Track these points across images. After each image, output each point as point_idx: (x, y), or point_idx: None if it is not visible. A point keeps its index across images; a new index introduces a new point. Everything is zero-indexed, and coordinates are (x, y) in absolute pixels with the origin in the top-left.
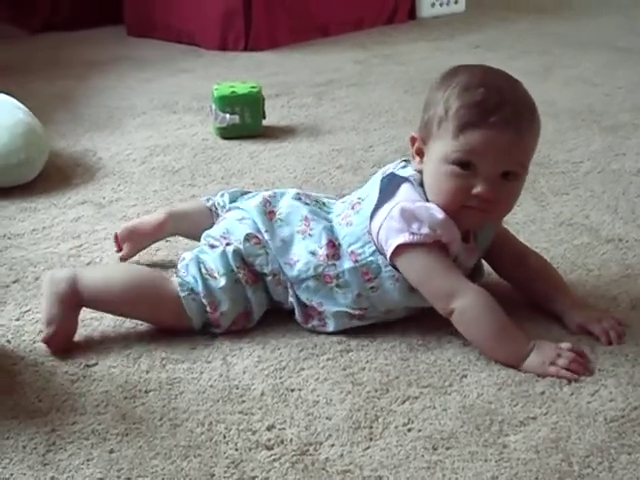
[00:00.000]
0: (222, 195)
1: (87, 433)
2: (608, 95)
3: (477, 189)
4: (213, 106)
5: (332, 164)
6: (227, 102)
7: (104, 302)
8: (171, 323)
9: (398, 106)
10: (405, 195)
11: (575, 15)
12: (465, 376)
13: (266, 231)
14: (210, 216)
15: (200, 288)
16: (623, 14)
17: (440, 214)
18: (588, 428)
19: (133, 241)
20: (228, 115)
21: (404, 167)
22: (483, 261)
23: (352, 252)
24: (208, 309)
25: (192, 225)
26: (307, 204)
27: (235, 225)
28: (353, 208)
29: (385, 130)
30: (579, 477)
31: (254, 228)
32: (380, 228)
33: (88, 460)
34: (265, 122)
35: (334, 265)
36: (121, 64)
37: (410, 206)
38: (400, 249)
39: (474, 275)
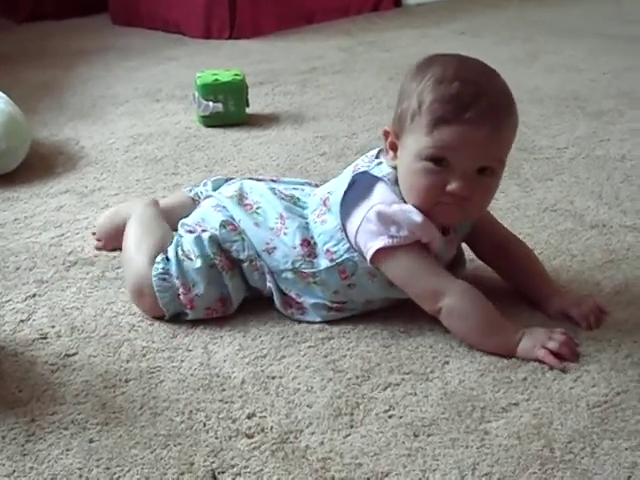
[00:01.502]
0: (205, 184)
1: (67, 423)
2: (593, 81)
3: (452, 186)
4: (196, 94)
5: (316, 151)
6: (210, 90)
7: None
8: (134, 297)
9: (382, 93)
10: (381, 196)
11: (560, 2)
12: (447, 363)
13: (240, 220)
14: (194, 207)
15: (174, 269)
16: (608, 1)
17: (418, 217)
18: (570, 414)
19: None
20: (211, 103)
21: (379, 164)
22: (465, 247)
23: (327, 250)
24: (181, 290)
25: (177, 218)
26: (282, 199)
27: (210, 213)
28: (325, 204)
29: (369, 117)
30: (561, 463)
31: (228, 215)
32: (358, 231)
33: (67, 450)
34: (249, 110)
35: (311, 263)
36: (106, 53)
37: (387, 210)
38: (380, 252)
39: (456, 264)
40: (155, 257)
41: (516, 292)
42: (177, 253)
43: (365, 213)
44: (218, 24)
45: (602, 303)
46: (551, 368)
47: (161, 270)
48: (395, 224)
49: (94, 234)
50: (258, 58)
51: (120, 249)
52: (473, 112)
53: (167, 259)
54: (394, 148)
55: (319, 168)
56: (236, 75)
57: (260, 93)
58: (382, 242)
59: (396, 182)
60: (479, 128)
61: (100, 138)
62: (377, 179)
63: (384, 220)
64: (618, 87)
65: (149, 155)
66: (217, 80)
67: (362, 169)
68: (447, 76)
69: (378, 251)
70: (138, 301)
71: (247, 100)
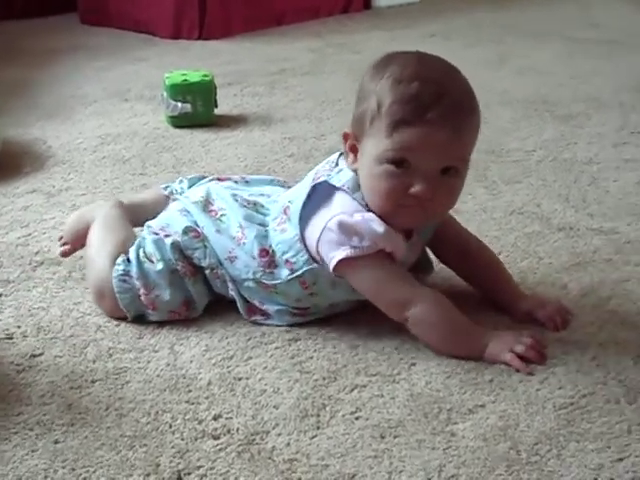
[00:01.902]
0: (181, 182)
1: (32, 424)
2: (561, 85)
3: (415, 188)
4: (165, 94)
5: (284, 153)
6: (179, 91)
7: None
8: (96, 300)
9: (351, 95)
10: (342, 206)
11: (530, 5)
12: (414, 364)
13: (203, 226)
14: (167, 204)
15: (134, 270)
16: (577, 4)
17: (380, 227)
18: (537, 416)
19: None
20: (180, 104)
21: (339, 172)
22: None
23: (287, 260)
24: (142, 291)
25: (151, 215)
26: (244, 206)
27: (175, 217)
28: (285, 213)
29: (338, 119)
30: (527, 465)
31: (192, 221)
32: (319, 241)
33: (33, 451)
34: (217, 111)
35: (272, 274)
36: (74, 52)
37: (348, 220)
38: (343, 262)
39: (422, 268)
40: (116, 258)
41: (482, 296)
42: (138, 255)
43: (326, 223)
44: (188, 24)
45: (568, 305)
46: (518, 370)
47: (121, 271)
48: (357, 234)
49: (61, 238)
50: (227, 59)
51: None
52: (434, 112)
53: (128, 260)
54: (354, 151)
55: (287, 169)
56: (205, 76)
57: (229, 94)
58: (344, 252)
59: (356, 189)
60: (440, 128)
61: (68, 138)
62: (336, 189)
63: (346, 230)
64: (586, 91)
65: (117, 155)
66: (186, 80)
67: (321, 178)
68: (406, 75)
69: (341, 261)
70: (100, 302)
71: (216, 101)
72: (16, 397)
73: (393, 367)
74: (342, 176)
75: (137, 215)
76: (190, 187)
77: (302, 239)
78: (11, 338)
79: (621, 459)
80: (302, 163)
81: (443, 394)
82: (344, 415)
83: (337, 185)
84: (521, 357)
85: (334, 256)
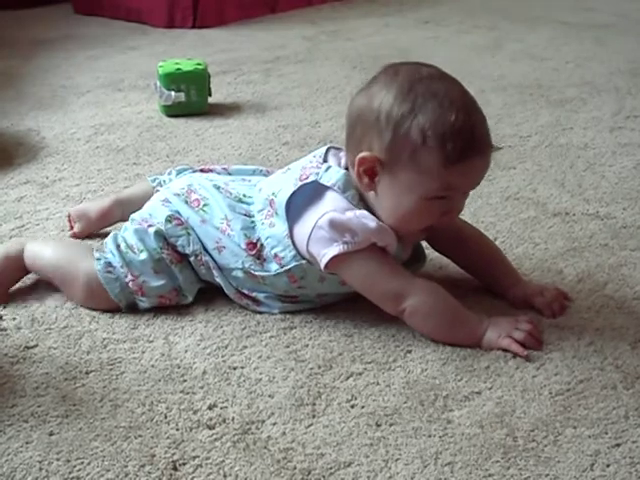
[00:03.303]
0: (169, 173)
1: (26, 415)
2: (556, 70)
3: (449, 214)
4: (158, 84)
5: (278, 141)
6: (172, 80)
7: (40, 273)
8: (85, 299)
9: (346, 82)
10: (332, 203)
11: None
12: (409, 352)
13: (188, 217)
14: None
15: (117, 260)
16: None
17: (372, 222)
18: (533, 402)
19: (83, 222)
20: (173, 93)
21: (327, 169)
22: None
23: (276, 255)
24: (129, 277)
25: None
26: (227, 197)
27: (158, 207)
28: (271, 206)
29: (332, 106)
30: (524, 451)
31: (175, 210)
32: (309, 239)
33: (27, 443)
34: (211, 99)
35: (261, 265)
36: (67, 42)
37: (340, 217)
38: (335, 259)
39: (415, 261)
40: (91, 256)
41: (478, 283)
42: (118, 245)
43: (316, 221)
44: (181, 13)
45: (565, 291)
46: (514, 356)
47: (103, 264)
48: (349, 231)
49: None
50: (221, 47)
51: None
52: (477, 146)
53: (108, 252)
54: (372, 175)
55: (281, 157)
56: (198, 64)
57: (223, 82)
58: (337, 249)
59: (347, 188)
60: (482, 159)
61: (61, 128)
62: (327, 188)
63: (337, 227)
64: (580, 75)
65: (111, 145)
66: (179, 69)
67: (310, 177)
68: (445, 107)
69: (333, 258)
70: (90, 302)
71: (209, 89)
72: (10, 389)
73: (389, 355)
74: (332, 174)
75: (129, 208)
76: (178, 176)
77: (290, 235)
78: (5, 330)
79: (618, 445)
80: (296, 151)
81: (439, 381)
82: (340, 403)
83: (327, 184)
84: (519, 343)
85: (326, 253)
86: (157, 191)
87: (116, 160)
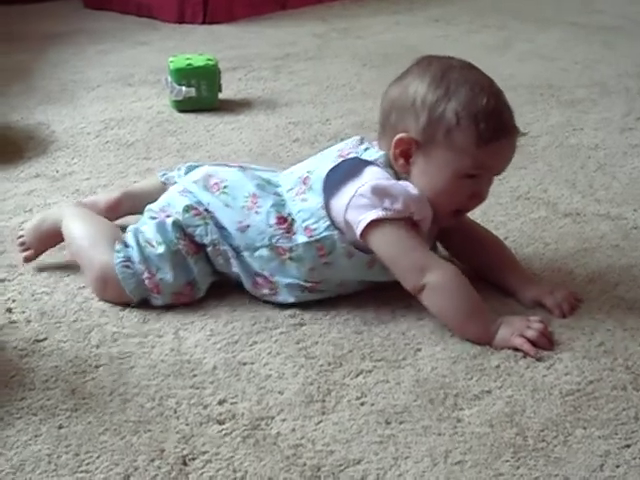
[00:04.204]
0: (179, 169)
1: (36, 409)
2: (565, 70)
3: (481, 195)
4: (169, 79)
5: (288, 137)
6: (183, 75)
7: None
8: (98, 290)
9: (356, 79)
10: (374, 175)
11: None
12: (419, 350)
13: (208, 203)
14: (164, 191)
15: (136, 255)
16: None
17: (415, 190)
18: (543, 402)
19: None
20: (184, 88)
21: (366, 149)
22: None
23: (307, 227)
24: (145, 275)
25: (147, 203)
26: (255, 179)
27: (175, 198)
28: (305, 183)
29: (342, 103)
30: (534, 451)
31: (194, 200)
32: (348, 207)
33: (36, 436)
34: (221, 95)
35: (289, 238)
36: (77, 37)
37: (383, 183)
38: (371, 225)
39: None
40: (113, 247)
41: (484, 280)
42: (138, 240)
43: (356, 189)
44: (191, 9)
45: (575, 291)
46: (524, 356)
47: (122, 258)
48: (390, 196)
49: (22, 244)
50: (231, 43)
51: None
52: (506, 128)
53: (126, 246)
54: (407, 156)
55: (292, 154)
56: (209, 60)
57: (233, 78)
58: (375, 214)
59: (387, 165)
60: (510, 142)
61: (71, 122)
62: (368, 162)
63: (379, 193)
64: (590, 76)
65: (121, 140)
66: (190, 65)
67: (351, 154)
68: (476, 91)
69: (369, 224)
70: (103, 293)
71: (220, 85)
72: (19, 382)
73: (399, 352)
74: (372, 153)
75: (137, 202)
76: (187, 174)
77: (326, 207)
78: (14, 323)
79: (628, 446)
80: (307, 148)
81: (449, 380)
82: (349, 401)
83: (369, 159)
84: (531, 342)
85: (364, 218)
86: (172, 183)
87: (126, 155)
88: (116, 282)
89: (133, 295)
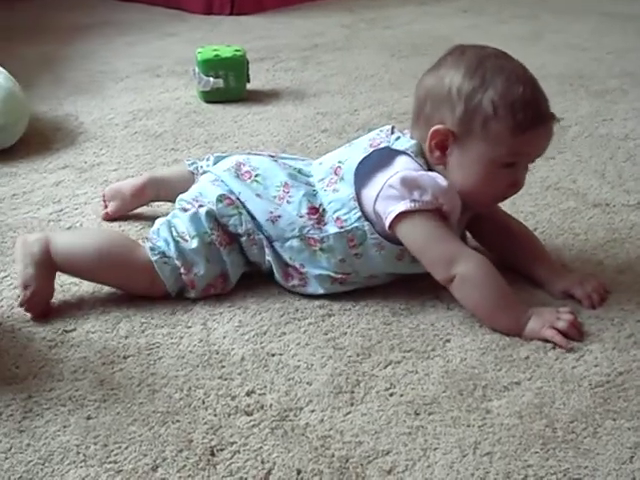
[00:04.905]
0: (208, 159)
1: (64, 399)
2: (596, 60)
3: (517, 183)
4: (197, 70)
5: (317, 128)
6: (211, 66)
7: (76, 267)
8: (145, 290)
9: (384, 70)
10: (404, 165)
11: None
12: (448, 340)
13: (240, 192)
14: (192, 180)
15: (172, 250)
16: None
17: (443, 182)
18: (573, 393)
19: (117, 200)
20: (212, 79)
21: (397, 139)
22: None
23: (338, 218)
24: (182, 270)
25: (174, 190)
26: (286, 168)
27: (208, 187)
28: (336, 173)
29: (371, 94)
30: (563, 443)
31: (227, 190)
32: (377, 197)
33: (65, 427)
34: (249, 86)
35: (319, 229)
36: (105, 28)
37: (412, 174)
38: (400, 217)
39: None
40: (139, 246)
41: (514, 271)
42: (172, 234)
43: (386, 180)
44: (219, 0)
45: (605, 282)
46: (554, 347)
47: (159, 255)
48: (419, 188)
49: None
50: (259, 34)
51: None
52: (543, 116)
53: (161, 240)
54: (442, 148)
55: (320, 145)
56: (237, 51)
57: (261, 69)
58: (404, 206)
59: (418, 154)
60: (547, 129)
61: (99, 113)
62: (399, 152)
63: (408, 184)
64: (622, 66)
65: (149, 131)
66: (218, 56)
67: (382, 144)
68: (512, 80)
69: (398, 215)
70: (150, 291)
71: (248, 76)
72: (48, 373)
73: (427, 343)
74: (403, 142)
75: (162, 188)
76: (215, 164)
77: (357, 198)
78: None
79: None
80: (335, 138)
81: (478, 371)
82: (378, 392)
83: (400, 149)
84: (562, 333)
85: (393, 209)
86: (202, 172)
87: (154, 145)
88: (159, 279)
89: (172, 290)
